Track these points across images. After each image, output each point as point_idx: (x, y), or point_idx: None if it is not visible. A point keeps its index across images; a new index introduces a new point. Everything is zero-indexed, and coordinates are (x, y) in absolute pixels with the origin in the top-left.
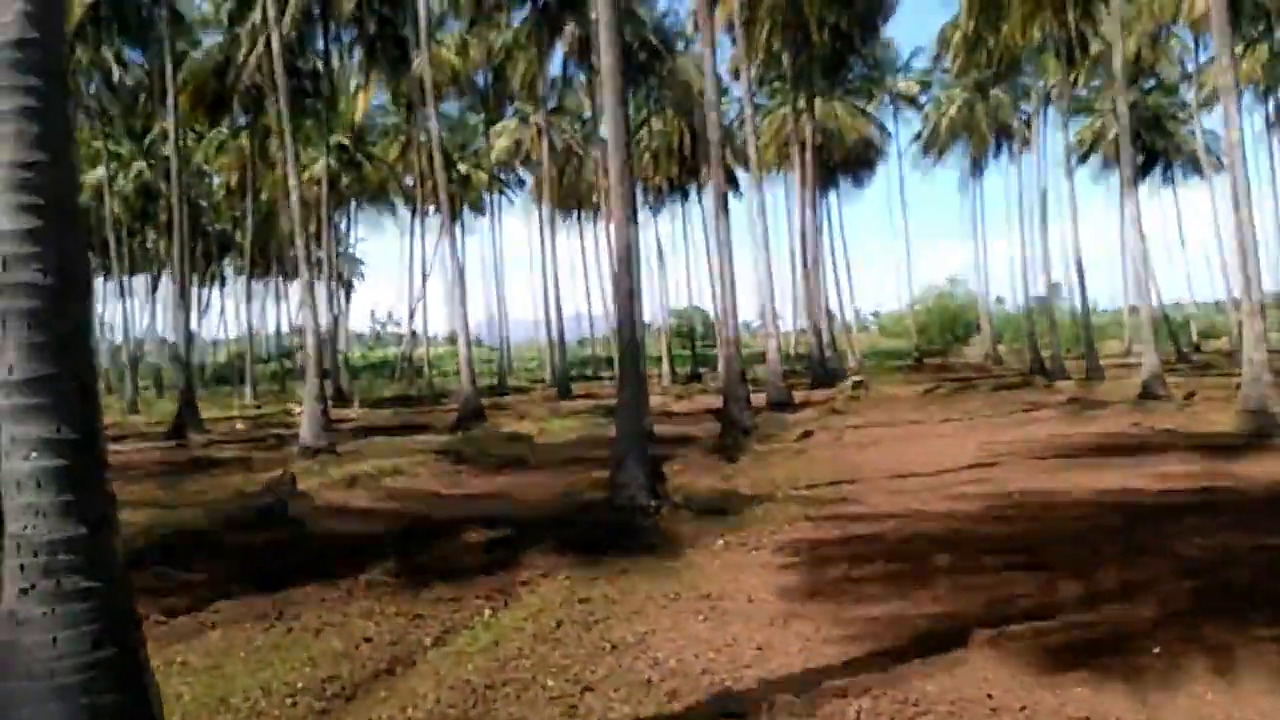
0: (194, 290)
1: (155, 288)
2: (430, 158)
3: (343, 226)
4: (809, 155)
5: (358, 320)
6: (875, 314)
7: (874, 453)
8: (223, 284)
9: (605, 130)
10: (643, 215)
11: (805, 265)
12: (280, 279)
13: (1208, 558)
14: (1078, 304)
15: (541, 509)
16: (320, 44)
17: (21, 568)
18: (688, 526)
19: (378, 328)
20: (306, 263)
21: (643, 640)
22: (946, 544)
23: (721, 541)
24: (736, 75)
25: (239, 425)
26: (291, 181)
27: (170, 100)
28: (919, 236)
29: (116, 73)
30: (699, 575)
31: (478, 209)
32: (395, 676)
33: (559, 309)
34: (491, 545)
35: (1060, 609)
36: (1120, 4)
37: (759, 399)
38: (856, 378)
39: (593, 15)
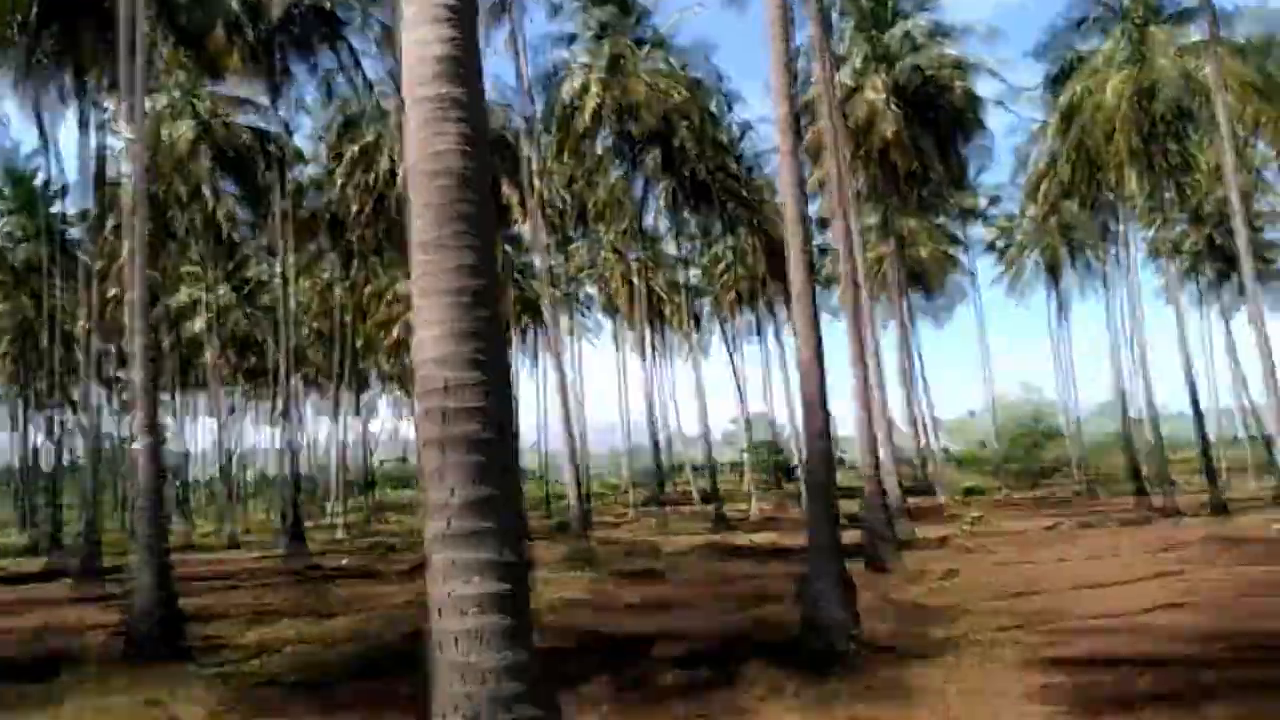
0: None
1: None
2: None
3: None
4: (894, 271)
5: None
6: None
7: (1042, 570)
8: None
9: (791, 278)
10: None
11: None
12: (355, 393)
13: None
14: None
15: (718, 623)
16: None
17: (468, 696)
18: (894, 643)
19: None
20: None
21: None
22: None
23: (951, 659)
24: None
25: (338, 534)
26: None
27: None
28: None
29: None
30: (938, 700)
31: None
32: None
33: (652, 422)
34: (689, 661)
35: None
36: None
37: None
38: (975, 513)
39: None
